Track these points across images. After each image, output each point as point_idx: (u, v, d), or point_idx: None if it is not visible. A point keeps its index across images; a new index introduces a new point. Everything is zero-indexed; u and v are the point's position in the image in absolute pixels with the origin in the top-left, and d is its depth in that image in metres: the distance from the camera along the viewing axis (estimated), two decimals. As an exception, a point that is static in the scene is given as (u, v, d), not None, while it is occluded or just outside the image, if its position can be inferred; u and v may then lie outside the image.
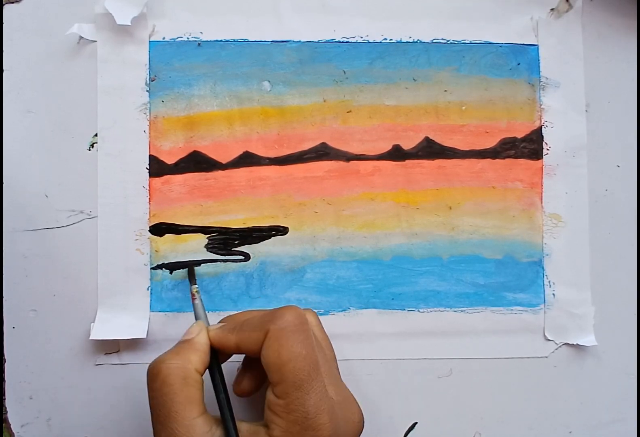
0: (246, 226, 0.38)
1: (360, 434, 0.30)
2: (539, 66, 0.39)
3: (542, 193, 0.38)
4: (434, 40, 0.38)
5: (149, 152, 0.37)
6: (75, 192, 0.37)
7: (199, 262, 0.37)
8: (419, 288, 0.38)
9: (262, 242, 0.38)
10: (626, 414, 0.39)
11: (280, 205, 0.38)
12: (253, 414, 0.36)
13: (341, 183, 0.38)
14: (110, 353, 0.37)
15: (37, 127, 0.37)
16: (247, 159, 0.38)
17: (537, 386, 0.38)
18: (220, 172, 0.38)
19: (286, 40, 0.38)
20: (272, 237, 0.38)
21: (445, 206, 0.38)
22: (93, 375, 0.37)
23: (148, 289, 0.37)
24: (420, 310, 0.38)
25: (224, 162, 0.38)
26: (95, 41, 0.37)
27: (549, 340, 0.38)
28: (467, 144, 0.38)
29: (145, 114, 0.37)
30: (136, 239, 0.37)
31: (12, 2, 0.37)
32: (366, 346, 0.38)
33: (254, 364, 0.32)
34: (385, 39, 0.38)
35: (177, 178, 0.37)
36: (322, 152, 0.38)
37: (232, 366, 0.35)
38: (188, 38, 0.37)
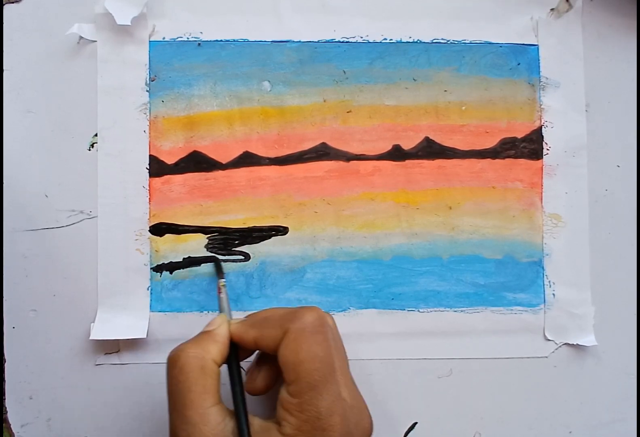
0: (246, 226, 0.38)
1: None
2: (539, 66, 0.39)
3: (542, 193, 0.38)
4: (434, 40, 0.38)
5: (149, 152, 0.37)
6: (75, 192, 0.37)
7: (220, 260, 0.37)
8: (419, 288, 0.38)
9: (262, 242, 0.38)
10: (626, 414, 0.39)
11: (280, 205, 0.38)
12: (266, 411, 0.36)
13: (341, 183, 0.38)
14: (110, 353, 0.37)
15: (37, 127, 0.37)
16: (247, 159, 0.38)
17: (537, 386, 0.38)
18: (220, 172, 0.38)
19: (286, 40, 0.38)
20: (272, 237, 0.38)
21: (445, 206, 0.38)
22: (93, 375, 0.37)
23: (148, 289, 0.37)
24: (420, 310, 0.38)
25: (224, 162, 0.38)
26: (95, 41, 0.37)
27: (549, 340, 0.38)
28: (467, 144, 0.38)
29: (145, 114, 0.37)
30: (136, 239, 0.37)
31: (12, 2, 0.37)
32: (366, 346, 0.38)
33: (268, 362, 0.32)
34: (385, 39, 0.38)
35: (177, 178, 0.37)
36: (322, 152, 0.38)
37: (246, 364, 0.35)
38: (188, 38, 0.37)
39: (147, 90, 0.37)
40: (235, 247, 0.38)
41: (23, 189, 0.37)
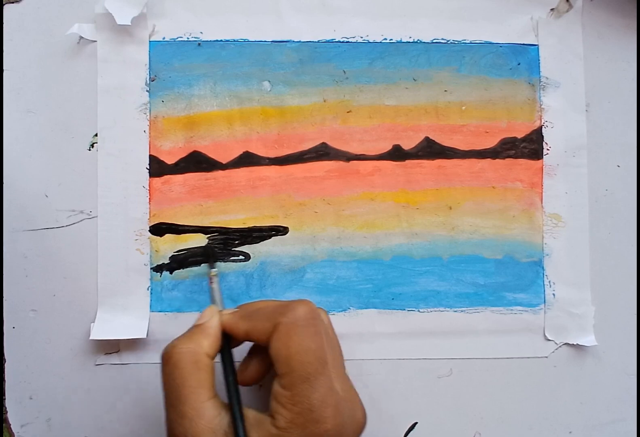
0: (246, 226, 0.38)
1: (362, 432, 0.30)
2: (539, 66, 0.39)
3: (542, 193, 0.38)
4: (434, 40, 0.38)
5: (149, 152, 0.37)
6: (75, 192, 0.37)
7: (212, 248, 0.37)
8: (419, 288, 0.38)
9: (262, 242, 0.38)
10: (626, 414, 0.39)
11: (280, 206, 0.38)
12: (259, 404, 0.36)
13: (341, 183, 0.38)
14: (110, 353, 0.37)
15: (37, 127, 0.37)
16: (247, 159, 0.38)
17: (537, 386, 0.38)
18: (220, 172, 0.38)
19: (286, 40, 0.38)
20: (272, 237, 0.38)
21: (445, 206, 0.38)
22: (93, 375, 0.37)
23: (148, 289, 0.37)
24: (420, 310, 0.38)
25: (224, 162, 0.38)
26: (95, 41, 0.37)
27: (549, 340, 0.38)
28: (467, 144, 0.38)
29: (145, 114, 0.37)
30: (136, 239, 0.37)
31: (12, 2, 0.37)
32: (366, 346, 0.38)
33: (260, 353, 0.32)
34: (385, 39, 0.38)
35: (177, 178, 0.37)
36: (322, 152, 0.38)
37: (241, 352, 0.35)
38: (188, 38, 0.37)
39: (147, 90, 0.37)
40: (235, 247, 0.38)
41: (23, 189, 0.37)
